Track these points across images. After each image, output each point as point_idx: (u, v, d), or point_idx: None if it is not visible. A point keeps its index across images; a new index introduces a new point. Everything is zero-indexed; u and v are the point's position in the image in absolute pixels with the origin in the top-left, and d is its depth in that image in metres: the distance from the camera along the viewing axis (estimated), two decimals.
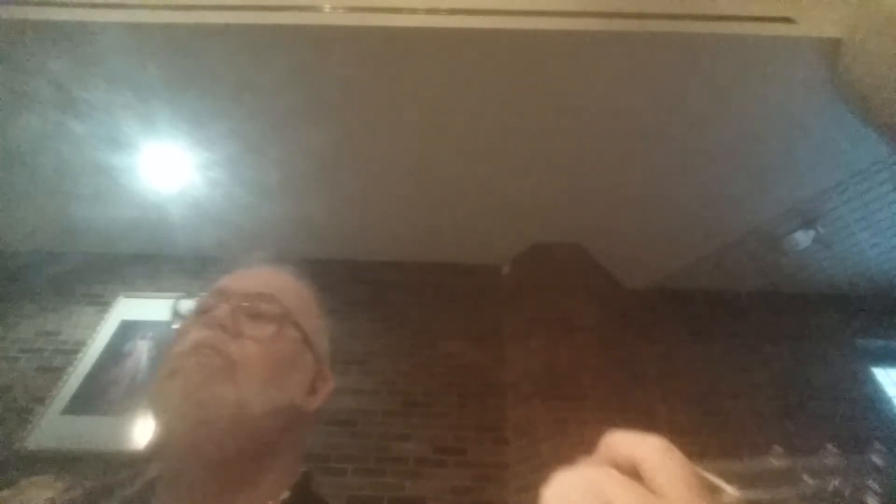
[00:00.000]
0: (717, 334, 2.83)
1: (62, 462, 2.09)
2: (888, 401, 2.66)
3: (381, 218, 2.65)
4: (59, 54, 1.86)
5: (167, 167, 2.32)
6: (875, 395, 2.67)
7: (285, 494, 0.53)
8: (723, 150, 2.14)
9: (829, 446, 0.26)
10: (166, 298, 2.67)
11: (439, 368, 2.49)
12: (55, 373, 2.40)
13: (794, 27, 1.71)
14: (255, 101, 2.04)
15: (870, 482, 0.24)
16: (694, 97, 1.93)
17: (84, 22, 1.78)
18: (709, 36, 1.73)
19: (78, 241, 2.79)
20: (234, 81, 1.97)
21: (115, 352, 2.49)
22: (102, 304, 2.68)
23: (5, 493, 0.53)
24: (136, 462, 0.57)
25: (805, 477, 0.25)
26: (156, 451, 0.53)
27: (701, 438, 2.43)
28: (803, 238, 2.63)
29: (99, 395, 2.33)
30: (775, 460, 0.27)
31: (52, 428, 2.22)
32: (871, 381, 2.73)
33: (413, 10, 1.78)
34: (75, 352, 2.48)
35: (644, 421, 2.32)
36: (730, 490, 0.24)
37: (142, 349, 2.50)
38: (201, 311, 0.58)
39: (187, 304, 0.61)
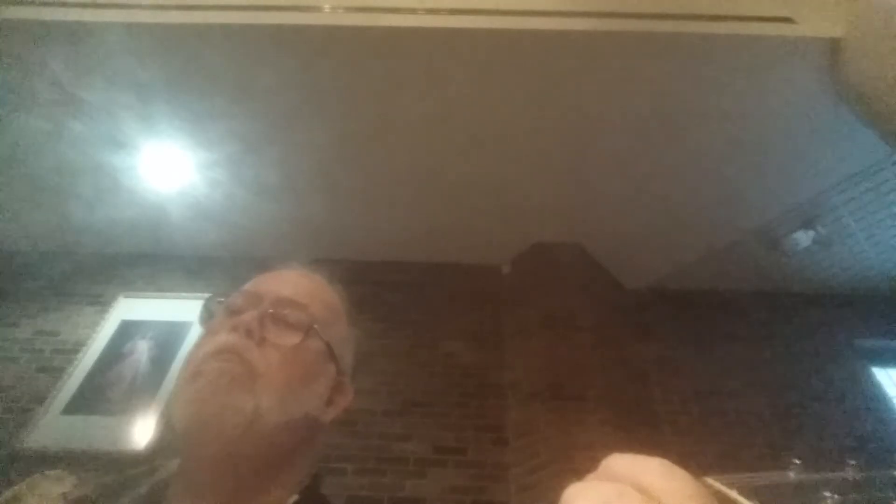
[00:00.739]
0: (716, 334, 2.83)
1: (62, 462, 2.09)
2: (888, 401, 2.66)
3: (381, 218, 2.65)
4: (59, 54, 1.86)
5: (167, 167, 2.32)
6: (875, 395, 2.67)
7: (294, 498, 0.53)
8: (723, 151, 2.14)
9: (851, 461, 0.26)
10: (166, 298, 2.68)
11: (439, 368, 2.49)
12: (55, 373, 2.40)
13: (794, 27, 1.71)
14: (255, 101, 2.04)
15: (892, 497, 0.24)
16: (694, 97, 1.93)
17: (84, 22, 1.78)
18: (709, 36, 1.73)
19: (78, 241, 2.79)
20: (234, 81, 1.97)
21: (115, 352, 2.49)
22: (102, 304, 2.68)
23: (19, 486, 0.53)
24: (147, 460, 0.57)
25: (825, 492, 0.24)
26: (168, 450, 0.53)
27: (701, 439, 2.43)
28: (803, 238, 2.63)
29: (99, 395, 2.33)
30: (795, 474, 0.26)
31: (52, 428, 2.22)
32: (871, 381, 2.73)
33: (413, 10, 1.78)
34: (75, 352, 2.48)
35: (644, 421, 2.32)
36: None
37: (142, 349, 2.50)
38: (230, 312, 0.58)
39: (218, 302, 0.60)
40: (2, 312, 2.64)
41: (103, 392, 2.34)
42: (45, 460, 2.09)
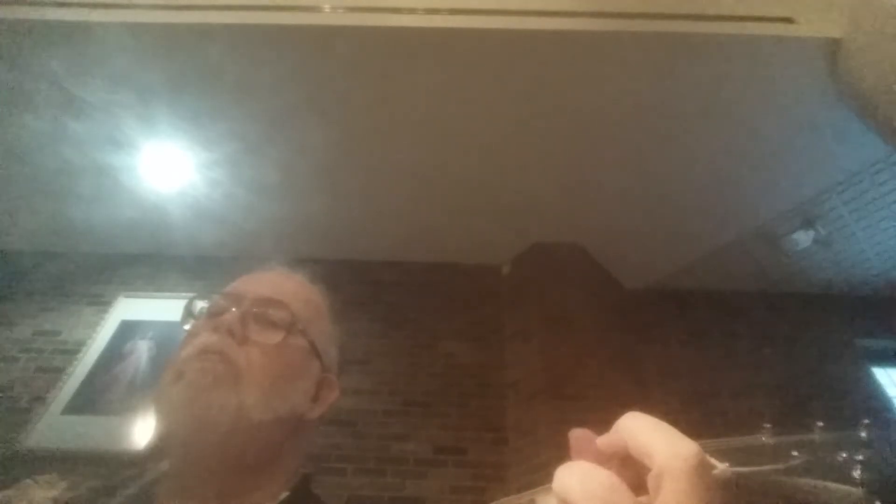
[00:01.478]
0: (716, 334, 2.83)
1: (62, 462, 2.09)
2: (888, 401, 2.66)
3: (381, 218, 2.65)
4: (59, 54, 1.86)
5: (167, 167, 2.32)
6: (875, 395, 2.67)
7: (284, 495, 0.54)
8: (723, 150, 2.14)
9: (818, 423, 0.26)
10: (166, 298, 2.68)
11: (439, 368, 2.49)
12: (55, 373, 2.40)
13: (794, 27, 1.71)
14: (255, 101, 2.04)
15: (858, 456, 0.25)
16: (693, 97, 1.93)
17: (84, 22, 1.78)
18: (709, 36, 1.73)
19: (78, 241, 2.79)
20: (234, 81, 1.97)
21: (115, 352, 2.49)
22: (102, 304, 2.68)
23: (9, 491, 0.54)
24: (137, 462, 0.58)
25: (794, 452, 0.26)
26: (157, 452, 0.54)
27: (701, 439, 2.42)
28: (803, 238, 2.63)
29: (99, 395, 2.33)
30: (766, 437, 0.27)
31: (52, 428, 2.22)
32: (871, 381, 2.73)
33: (413, 10, 1.78)
34: (75, 352, 2.48)
35: None
36: (721, 466, 0.25)
37: (142, 349, 2.50)
38: (212, 314, 0.59)
39: (200, 305, 0.61)
40: (2, 312, 2.64)
41: (103, 392, 2.34)
42: (45, 460, 2.10)
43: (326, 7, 1.78)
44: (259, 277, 0.64)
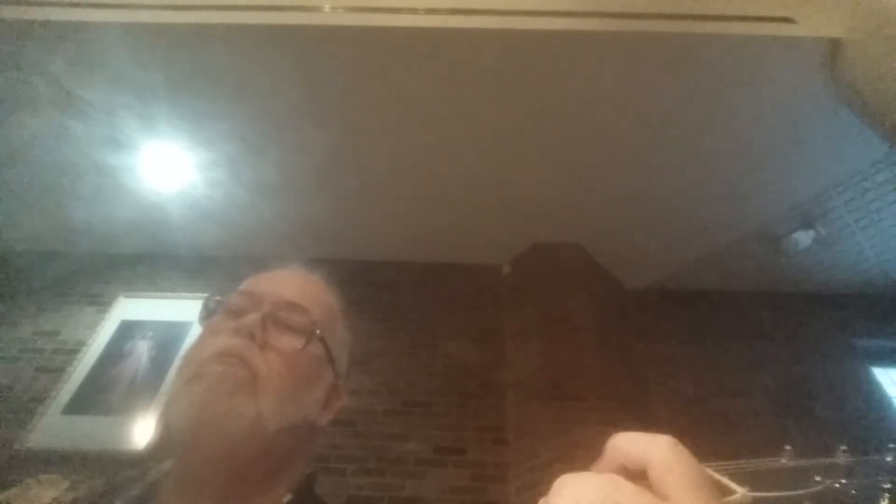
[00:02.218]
0: (717, 334, 2.83)
1: (62, 462, 2.09)
2: (888, 401, 2.66)
3: (381, 218, 2.65)
4: (59, 54, 1.86)
5: (167, 167, 2.32)
6: (875, 395, 2.67)
7: (287, 497, 0.54)
8: (723, 150, 2.14)
9: (842, 447, 0.26)
10: (166, 298, 2.68)
11: (439, 368, 2.49)
12: (55, 373, 2.40)
13: (794, 27, 1.71)
14: (255, 101, 2.04)
15: (882, 482, 0.24)
16: (694, 97, 1.93)
17: (84, 22, 1.78)
18: (709, 36, 1.73)
19: (78, 241, 2.79)
20: (234, 81, 1.97)
21: (115, 352, 2.49)
22: (102, 304, 2.68)
23: (12, 491, 0.53)
24: (139, 462, 0.57)
25: (817, 477, 0.25)
26: (160, 451, 0.53)
27: (701, 439, 2.42)
28: (803, 238, 2.63)
29: (99, 395, 2.33)
30: (787, 460, 0.26)
31: (52, 428, 2.22)
32: (871, 381, 2.73)
33: (413, 10, 1.78)
34: (75, 352, 2.48)
35: (644, 421, 2.32)
36: (741, 490, 0.24)
37: (142, 349, 2.50)
38: (230, 313, 0.58)
39: (217, 302, 0.60)
40: (2, 312, 2.64)
41: (103, 392, 2.34)
42: (45, 460, 2.10)
43: (326, 7, 1.78)
44: (279, 277, 0.63)
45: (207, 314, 0.60)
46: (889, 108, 1.54)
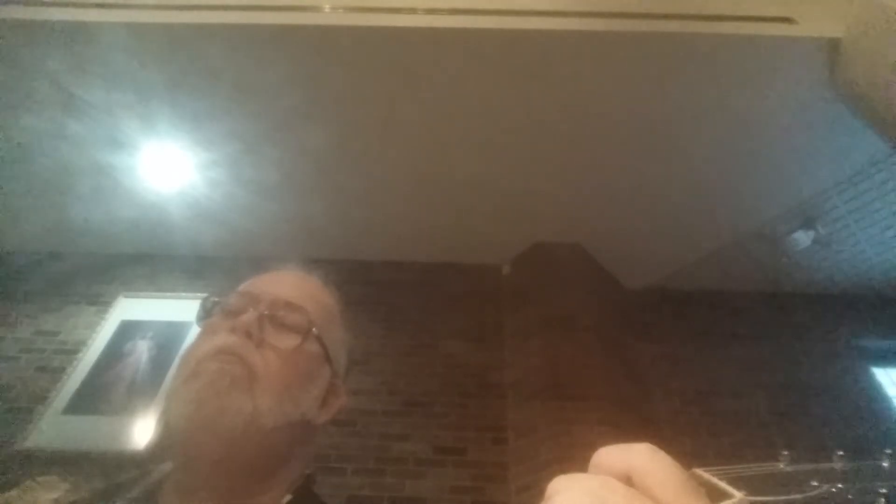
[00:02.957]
0: (717, 334, 2.83)
1: (62, 462, 2.09)
2: (888, 401, 2.66)
3: (381, 218, 2.65)
4: (59, 54, 1.86)
5: (167, 167, 2.32)
6: (875, 395, 2.67)
7: (287, 497, 0.54)
8: (723, 150, 2.14)
9: (839, 451, 0.26)
10: (166, 298, 2.68)
11: (439, 368, 2.49)
12: (55, 373, 2.40)
13: (794, 27, 1.71)
14: (254, 101, 2.04)
15: (880, 487, 0.24)
16: (694, 97, 1.93)
17: (84, 22, 1.78)
18: (709, 36, 1.73)
19: (78, 241, 2.79)
20: (233, 81, 1.97)
21: (115, 352, 2.49)
22: (102, 304, 2.68)
23: (11, 493, 0.53)
24: (139, 463, 0.57)
25: (814, 482, 0.25)
26: (160, 452, 0.53)
27: (701, 439, 2.43)
28: (803, 238, 2.62)
29: (99, 395, 2.33)
30: (784, 465, 0.26)
31: (52, 428, 2.22)
32: (871, 381, 2.73)
33: (413, 10, 1.78)
34: (75, 352, 2.48)
35: (644, 421, 2.32)
36: (738, 494, 0.24)
37: (142, 349, 2.50)
38: (228, 313, 0.58)
39: (215, 302, 0.60)
40: (2, 312, 2.64)
41: (103, 392, 2.34)
42: (45, 460, 2.10)
43: (326, 7, 1.78)
44: (277, 278, 0.64)
45: (205, 315, 0.60)
46: (889, 107, 1.54)
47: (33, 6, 1.79)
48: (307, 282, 0.65)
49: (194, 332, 0.60)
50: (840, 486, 0.24)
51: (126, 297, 2.70)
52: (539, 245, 2.75)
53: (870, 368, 2.77)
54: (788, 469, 0.26)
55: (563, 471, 0.25)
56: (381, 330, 2.59)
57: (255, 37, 1.82)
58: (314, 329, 0.58)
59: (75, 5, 1.79)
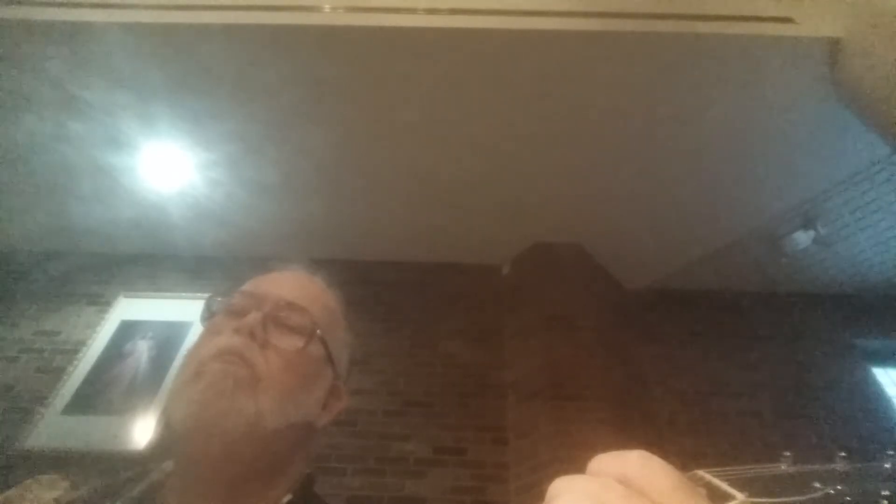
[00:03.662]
0: (717, 334, 2.83)
1: (62, 462, 2.09)
2: (888, 401, 2.66)
3: (381, 218, 2.65)
4: (59, 54, 1.86)
5: (167, 167, 2.32)
6: (875, 395, 2.67)
7: (287, 497, 0.54)
8: (723, 150, 2.14)
9: (840, 453, 0.26)
10: (166, 298, 2.68)
11: (439, 368, 2.49)
12: (55, 373, 2.40)
13: (794, 27, 1.71)
14: (255, 101, 2.04)
15: (882, 489, 0.24)
16: (694, 97, 1.93)
17: (84, 22, 1.78)
18: (709, 36, 1.73)
19: (78, 241, 2.79)
20: (234, 81, 1.97)
21: (115, 352, 2.49)
22: (102, 304, 2.68)
23: (11, 491, 0.53)
24: (140, 462, 0.57)
25: (815, 483, 0.25)
26: (161, 451, 0.53)
27: (701, 439, 2.43)
28: (803, 238, 2.63)
29: (99, 395, 2.33)
30: (786, 466, 0.26)
31: (52, 428, 2.22)
32: (871, 381, 2.73)
33: (413, 10, 1.78)
34: (75, 352, 2.48)
35: (644, 421, 2.32)
36: (739, 496, 0.24)
37: (142, 349, 2.50)
38: (232, 313, 0.58)
39: (219, 301, 0.60)
40: (2, 312, 2.64)
41: (103, 392, 2.34)
42: (45, 460, 2.10)
43: (326, 7, 1.78)
44: (281, 278, 0.64)
45: (209, 314, 0.60)
46: (889, 107, 1.54)
47: (33, 6, 1.79)
48: (311, 283, 0.65)
49: (194, 332, 0.60)
50: (840, 487, 0.24)
51: (126, 296, 2.70)
52: (539, 245, 2.75)
53: (870, 368, 2.77)
54: (790, 470, 0.26)
55: (563, 471, 0.25)
56: (381, 330, 2.59)
57: (256, 37, 1.82)
58: (318, 331, 0.58)
59: (75, 5, 1.79)
